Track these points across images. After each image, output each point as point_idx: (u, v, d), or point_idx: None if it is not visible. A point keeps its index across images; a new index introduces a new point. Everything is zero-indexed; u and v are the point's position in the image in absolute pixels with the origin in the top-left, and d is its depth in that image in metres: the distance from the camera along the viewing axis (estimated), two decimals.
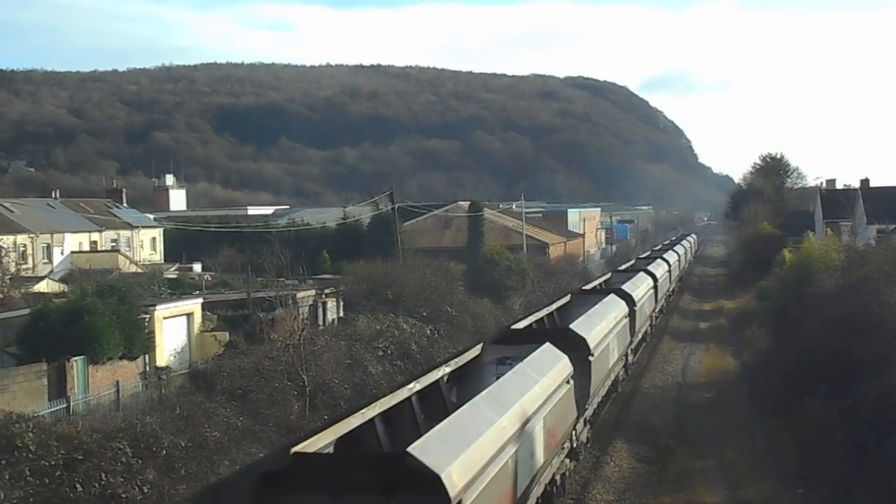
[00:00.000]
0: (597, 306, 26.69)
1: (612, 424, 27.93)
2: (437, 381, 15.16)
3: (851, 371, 24.93)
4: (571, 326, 22.06)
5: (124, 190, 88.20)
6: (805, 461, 23.07)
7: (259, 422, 24.70)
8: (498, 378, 15.71)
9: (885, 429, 21.02)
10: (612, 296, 30.41)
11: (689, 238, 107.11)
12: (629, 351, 32.93)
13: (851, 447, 21.98)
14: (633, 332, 33.00)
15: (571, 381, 18.67)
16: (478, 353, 18.32)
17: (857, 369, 24.68)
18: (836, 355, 26.17)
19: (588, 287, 36.07)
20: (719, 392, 34.28)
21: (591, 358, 21.41)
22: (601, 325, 24.75)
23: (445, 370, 15.64)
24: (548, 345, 18.44)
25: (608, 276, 43.47)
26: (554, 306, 27.23)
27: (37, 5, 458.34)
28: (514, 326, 21.81)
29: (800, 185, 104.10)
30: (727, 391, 34.45)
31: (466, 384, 16.86)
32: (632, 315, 32.13)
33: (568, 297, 29.59)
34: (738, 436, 27.54)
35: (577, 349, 20.37)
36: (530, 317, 24.14)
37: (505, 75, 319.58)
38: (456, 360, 16.74)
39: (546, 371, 16.92)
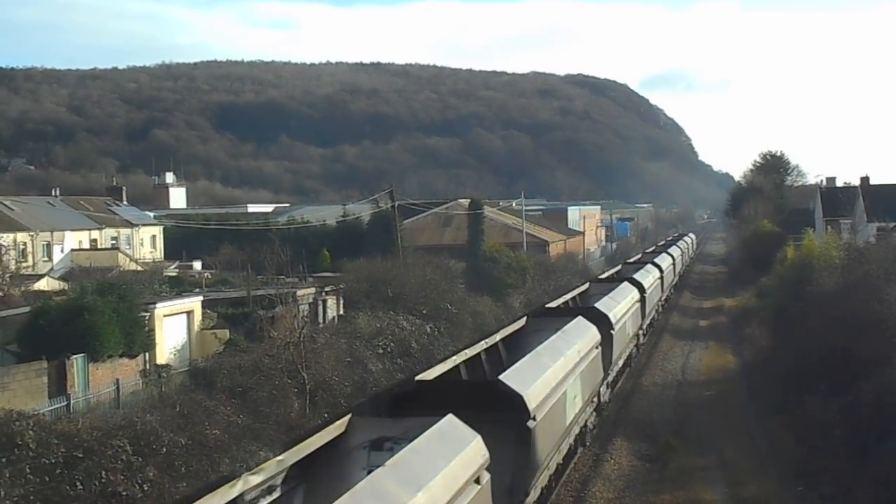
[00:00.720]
0: (553, 337, 20.09)
1: (612, 422, 27.95)
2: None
3: (852, 369, 24.94)
4: (503, 378, 15.26)
5: (124, 188, 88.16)
6: (805, 459, 23.09)
7: (259, 420, 24.71)
8: (369, 472, 9.70)
9: (886, 427, 21.04)
10: (579, 319, 23.40)
11: (686, 238, 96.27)
12: (604, 385, 26.11)
13: (851, 445, 22.00)
14: (608, 365, 26.18)
15: (486, 477, 11.68)
16: (342, 430, 11.33)
17: (858, 367, 24.69)
18: (837, 353, 26.19)
19: (553, 305, 28.10)
20: (719, 390, 34.30)
21: (531, 423, 15.06)
22: (555, 367, 17.99)
23: (245, 483, 8.71)
24: (450, 419, 11.61)
25: (585, 286, 35.32)
26: (499, 336, 20.38)
27: (37, 3, 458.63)
28: (420, 377, 14.81)
29: (800, 182, 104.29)
30: (727, 389, 34.47)
31: (320, 488, 10.47)
32: (607, 341, 25.35)
33: (523, 321, 22.96)
34: (738, 434, 27.57)
35: (509, 411, 14.43)
36: (457, 356, 17.17)
37: (505, 73, 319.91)
38: (298, 446, 10.08)
39: (432, 475, 9.96)
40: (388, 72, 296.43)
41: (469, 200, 73.65)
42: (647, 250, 69.36)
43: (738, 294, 63.60)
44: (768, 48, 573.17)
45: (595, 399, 24.01)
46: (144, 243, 74.85)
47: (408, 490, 9.29)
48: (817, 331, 29.60)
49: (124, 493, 18.42)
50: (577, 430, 21.22)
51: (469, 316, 43.31)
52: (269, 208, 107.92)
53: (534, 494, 16.44)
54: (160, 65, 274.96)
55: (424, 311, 40.51)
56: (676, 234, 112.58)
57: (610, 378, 27.52)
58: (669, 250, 65.05)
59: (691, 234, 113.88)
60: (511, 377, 15.39)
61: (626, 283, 36.19)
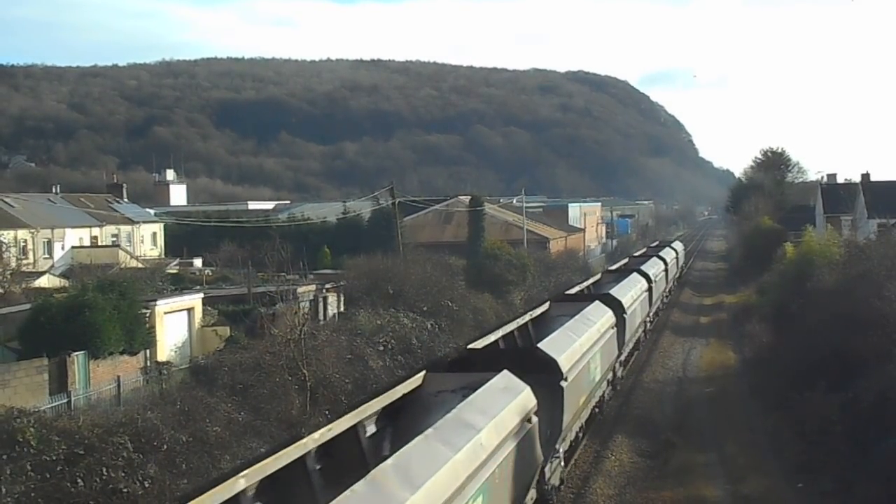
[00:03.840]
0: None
1: (612, 419, 27.95)
2: None
3: (852, 365, 24.96)
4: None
5: (125, 185, 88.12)
6: (805, 455, 23.10)
7: (260, 416, 24.69)
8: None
9: (886, 423, 21.04)
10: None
11: (667, 251, 59.98)
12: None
13: (852, 441, 22.02)
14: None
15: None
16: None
17: (858, 364, 24.71)
18: (837, 350, 26.20)
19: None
20: (720, 386, 34.30)
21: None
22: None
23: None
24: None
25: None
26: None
27: (37, 1, 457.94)
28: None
29: (800, 179, 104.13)
30: (728, 386, 34.48)
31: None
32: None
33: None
34: (739, 430, 27.58)
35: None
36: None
37: (505, 70, 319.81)
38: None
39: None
40: (388, 69, 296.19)
41: (470, 197, 73.64)
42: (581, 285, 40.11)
43: (739, 291, 63.60)
44: (768, 44, 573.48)
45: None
46: (145, 240, 74.87)
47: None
48: (818, 327, 29.61)
49: (125, 490, 18.40)
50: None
51: (470, 313, 43.24)
52: (269, 205, 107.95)
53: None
54: (161, 62, 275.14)
55: (425, 308, 40.43)
56: (657, 243, 76.69)
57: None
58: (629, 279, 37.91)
59: (677, 244, 75.20)
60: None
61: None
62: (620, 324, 27.65)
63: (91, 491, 18.05)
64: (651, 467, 23.76)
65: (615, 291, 30.28)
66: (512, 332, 20.60)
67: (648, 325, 41.35)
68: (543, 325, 22.62)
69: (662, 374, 36.48)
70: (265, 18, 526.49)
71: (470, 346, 17.15)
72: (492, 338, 18.61)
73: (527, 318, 22.45)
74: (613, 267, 45.98)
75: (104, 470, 18.50)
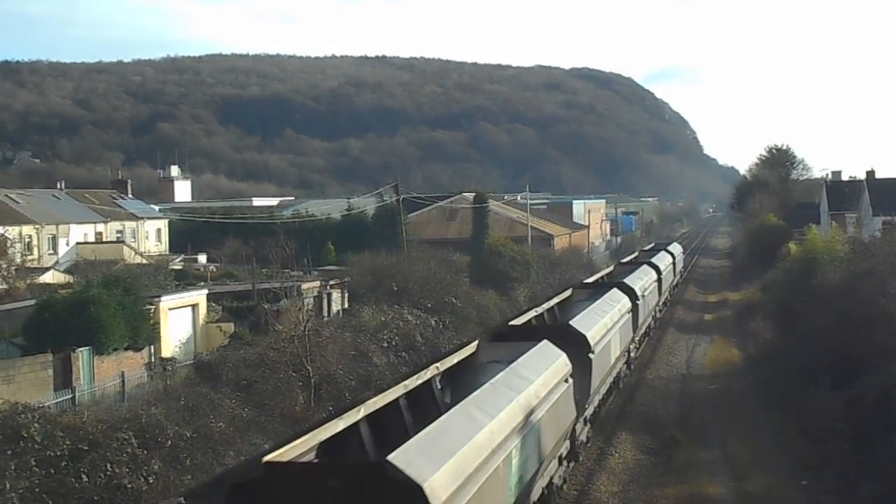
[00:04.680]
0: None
1: (616, 416, 27.94)
2: None
3: (856, 363, 24.93)
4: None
5: (129, 181, 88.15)
6: (809, 453, 23.08)
7: (264, 413, 24.74)
8: None
9: (890, 421, 21.01)
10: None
11: (661, 256, 52.56)
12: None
13: (856, 439, 21.99)
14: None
15: None
16: None
17: (862, 361, 24.67)
18: (841, 347, 26.15)
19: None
20: (724, 384, 34.30)
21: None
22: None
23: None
24: None
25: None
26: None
27: None
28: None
29: (805, 176, 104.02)
30: (732, 383, 34.47)
31: None
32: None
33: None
34: (743, 427, 27.57)
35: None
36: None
37: (510, 66, 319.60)
38: None
39: None
40: (392, 65, 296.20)
41: (474, 194, 73.61)
42: (537, 309, 26.91)
43: (743, 288, 63.53)
44: (773, 41, 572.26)
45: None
46: (149, 236, 74.97)
47: None
48: (822, 325, 29.55)
49: (129, 486, 18.44)
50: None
51: (473, 309, 43.26)
52: (273, 202, 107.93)
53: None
54: (165, 58, 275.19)
55: (429, 305, 40.45)
56: (651, 247, 67.23)
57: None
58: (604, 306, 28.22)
59: (671, 250, 60.95)
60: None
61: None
62: (583, 369, 20.18)
63: (95, 486, 18.10)
64: (655, 464, 23.76)
65: (579, 321, 22.37)
66: (398, 400, 12.89)
67: (633, 353, 32.98)
68: (462, 381, 15.48)
69: (666, 371, 36.48)
70: (270, 15, 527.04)
71: (269, 458, 9.57)
72: (350, 419, 11.21)
73: (430, 372, 14.43)
74: (591, 279, 37.25)
75: (108, 466, 18.54)
